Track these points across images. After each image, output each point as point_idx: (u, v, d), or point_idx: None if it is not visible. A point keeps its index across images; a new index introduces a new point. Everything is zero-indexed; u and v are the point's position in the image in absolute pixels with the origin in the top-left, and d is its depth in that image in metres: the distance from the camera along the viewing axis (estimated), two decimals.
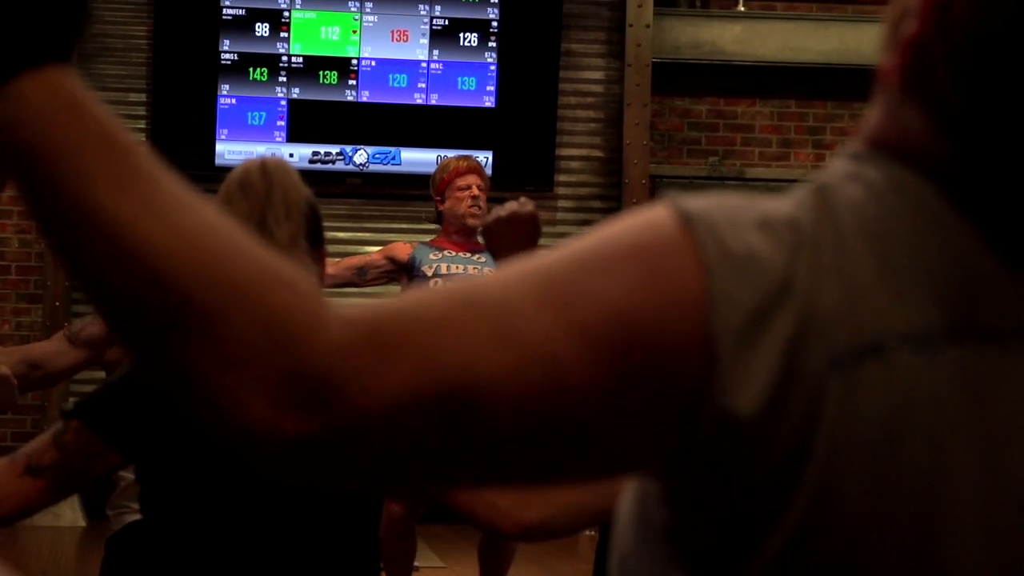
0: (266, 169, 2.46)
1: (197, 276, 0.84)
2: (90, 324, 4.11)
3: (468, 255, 5.63)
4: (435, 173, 5.71)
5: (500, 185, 6.33)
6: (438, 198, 5.67)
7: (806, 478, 0.91)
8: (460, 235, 5.65)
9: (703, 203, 0.95)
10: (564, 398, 0.89)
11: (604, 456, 0.92)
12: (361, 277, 5.64)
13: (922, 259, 0.95)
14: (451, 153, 6.68)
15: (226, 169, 7.54)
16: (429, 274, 5.61)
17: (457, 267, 5.62)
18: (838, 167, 1.01)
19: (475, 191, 5.60)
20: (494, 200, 5.82)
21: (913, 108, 0.98)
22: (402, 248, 5.71)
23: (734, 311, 0.91)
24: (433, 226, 5.89)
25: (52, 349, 4.07)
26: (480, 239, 5.48)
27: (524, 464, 0.92)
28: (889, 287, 0.94)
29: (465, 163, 5.67)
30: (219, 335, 0.84)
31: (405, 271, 5.62)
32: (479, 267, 5.56)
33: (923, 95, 0.97)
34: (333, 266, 5.46)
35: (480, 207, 5.53)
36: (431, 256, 5.64)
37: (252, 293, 0.84)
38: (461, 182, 5.61)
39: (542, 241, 5.67)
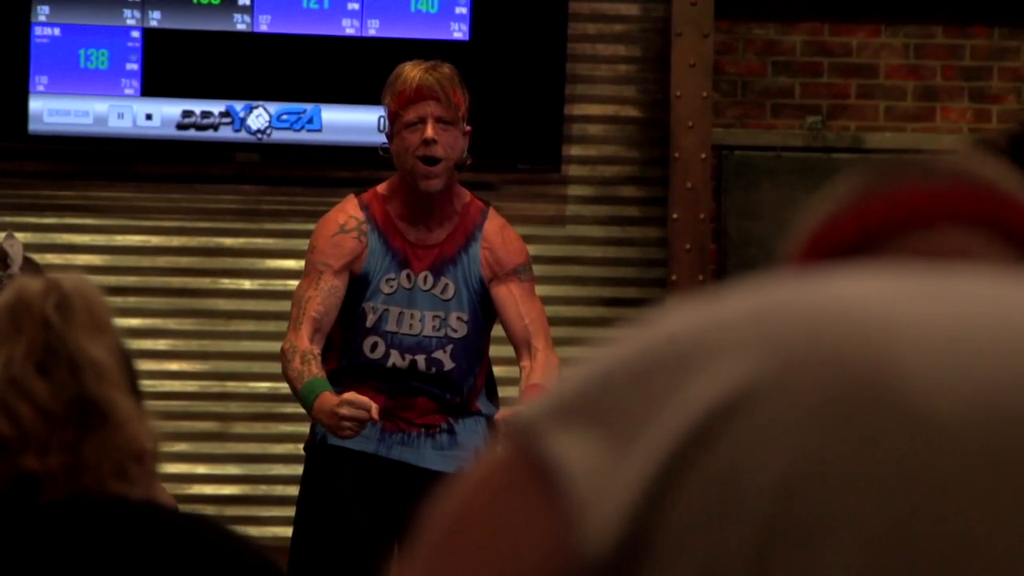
0: (51, 283, 2.15)
1: None
2: None
3: (430, 280, 4.71)
4: (384, 90, 4.77)
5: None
6: (388, 132, 4.75)
7: None
8: (416, 207, 4.67)
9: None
10: None
11: None
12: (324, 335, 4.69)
13: None
14: None
15: (44, 139, 8.05)
16: (369, 323, 4.71)
17: (412, 321, 4.74)
18: None
19: (429, 130, 4.51)
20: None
21: None
22: (348, 244, 4.68)
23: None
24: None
25: None
26: (450, 220, 4.69)
27: None
28: None
29: (417, 79, 4.62)
30: None
31: (354, 283, 4.80)
32: (441, 314, 4.74)
33: None
34: (295, 362, 4.56)
35: (440, 156, 4.56)
36: (383, 287, 4.71)
37: None
38: (410, 114, 4.52)
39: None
